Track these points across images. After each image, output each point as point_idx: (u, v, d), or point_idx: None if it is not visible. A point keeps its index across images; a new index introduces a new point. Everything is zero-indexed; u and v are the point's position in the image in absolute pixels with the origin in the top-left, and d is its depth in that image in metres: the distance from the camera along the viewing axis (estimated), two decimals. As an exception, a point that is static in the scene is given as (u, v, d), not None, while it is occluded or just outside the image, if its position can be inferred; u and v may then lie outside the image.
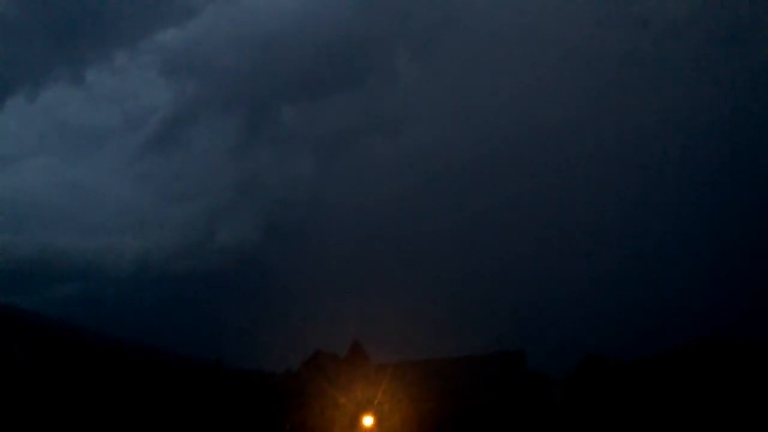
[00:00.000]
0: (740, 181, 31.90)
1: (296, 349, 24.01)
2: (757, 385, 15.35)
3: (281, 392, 17.64)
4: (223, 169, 41.01)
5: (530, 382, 18.88)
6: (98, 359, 11.28)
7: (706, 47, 34.33)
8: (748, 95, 32.09)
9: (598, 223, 34.22)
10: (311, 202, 39.59)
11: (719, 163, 32.22)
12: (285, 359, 23.03)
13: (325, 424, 16.67)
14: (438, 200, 38.59)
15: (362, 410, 16.70)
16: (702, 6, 35.01)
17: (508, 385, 18.07)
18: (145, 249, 35.96)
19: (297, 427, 16.82)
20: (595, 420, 16.42)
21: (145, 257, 35.62)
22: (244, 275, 36.35)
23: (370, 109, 40.26)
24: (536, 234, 35.47)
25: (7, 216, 35.17)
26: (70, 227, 37.50)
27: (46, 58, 40.21)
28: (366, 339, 24.18)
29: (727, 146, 32.03)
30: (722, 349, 16.75)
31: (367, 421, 16.76)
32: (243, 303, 34.09)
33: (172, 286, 36.14)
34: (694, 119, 32.96)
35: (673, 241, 31.00)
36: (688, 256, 28.95)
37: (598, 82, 35.52)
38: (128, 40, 42.03)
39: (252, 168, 40.83)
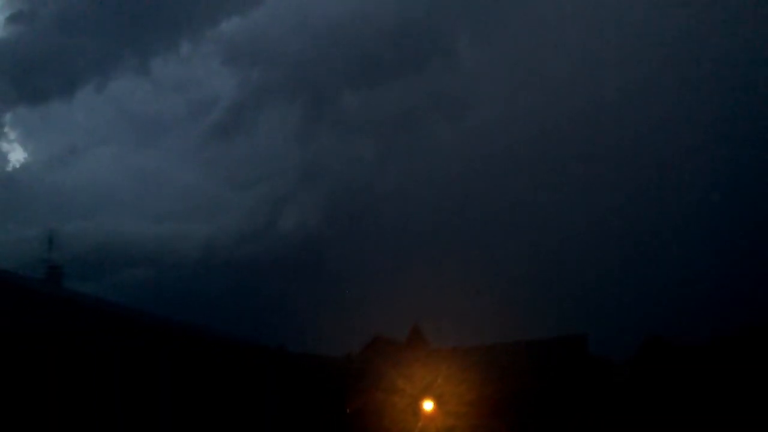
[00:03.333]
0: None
1: (356, 333, 24.37)
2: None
3: (342, 376, 17.91)
4: (286, 155, 41.41)
5: (592, 366, 18.72)
6: (165, 344, 11.61)
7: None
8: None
9: (660, 203, 33.51)
10: (371, 187, 39.69)
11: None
12: (346, 344, 23.41)
13: (386, 409, 16.86)
14: (499, 182, 38.25)
15: (422, 395, 16.85)
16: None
17: (570, 370, 17.91)
18: (210, 235, 36.64)
19: (358, 411, 17.07)
20: (658, 404, 16.21)
21: (210, 243, 36.30)
22: (306, 260, 36.72)
23: (431, 93, 40.08)
24: (597, 216, 34.85)
25: (78, 204, 36.26)
26: (137, 214, 38.46)
27: (114, 49, 41.14)
28: (425, 324, 24.39)
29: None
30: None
31: (428, 405, 16.89)
32: (304, 288, 34.51)
33: (237, 271, 36.77)
34: None
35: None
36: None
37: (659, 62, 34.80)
38: (193, 30, 42.58)
39: (314, 153, 41.13)
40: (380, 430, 16.52)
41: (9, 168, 37.89)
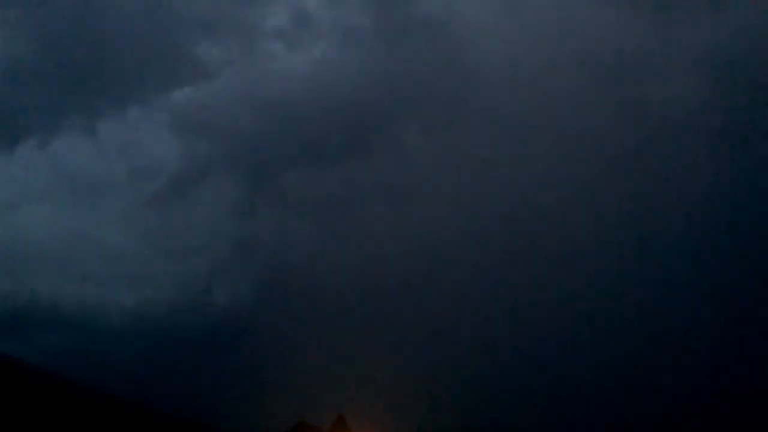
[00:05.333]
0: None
1: (280, 416, 23.84)
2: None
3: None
4: (225, 228, 41.21)
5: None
6: (79, 411, 11.22)
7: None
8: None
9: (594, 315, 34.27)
10: (308, 265, 39.64)
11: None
12: (268, 425, 22.88)
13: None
14: (436, 277, 38.68)
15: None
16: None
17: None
18: (139, 303, 35.87)
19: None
20: None
21: (139, 311, 35.52)
22: (237, 336, 36.20)
23: (374, 179, 40.73)
24: (535, 319, 35.50)
25: (3, 262, 35.17)
26: (65, 276, 37.47)
27: (62, 106, 40.83)
28: (353, 412, 23.97)
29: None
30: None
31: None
32: (233, 364, 33.85)
33: (164, 342, 35.93)
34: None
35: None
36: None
37: (602, 173, 36.21)
38: (143, 95, 42.62)
39: (252, 229, 41.05)
40: None
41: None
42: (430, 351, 34.87)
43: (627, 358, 31.08)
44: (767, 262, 31.39)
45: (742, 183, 33.99)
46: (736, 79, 35.46)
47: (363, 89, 39.70)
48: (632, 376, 30.43)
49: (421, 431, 27.59)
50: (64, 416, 11.12)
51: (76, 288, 36.23)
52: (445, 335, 35.75)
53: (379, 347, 33.88)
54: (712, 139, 35.26)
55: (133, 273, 39.17)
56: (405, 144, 39.83)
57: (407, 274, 38.81)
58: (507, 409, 30.43)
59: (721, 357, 28.88)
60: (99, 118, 43.74)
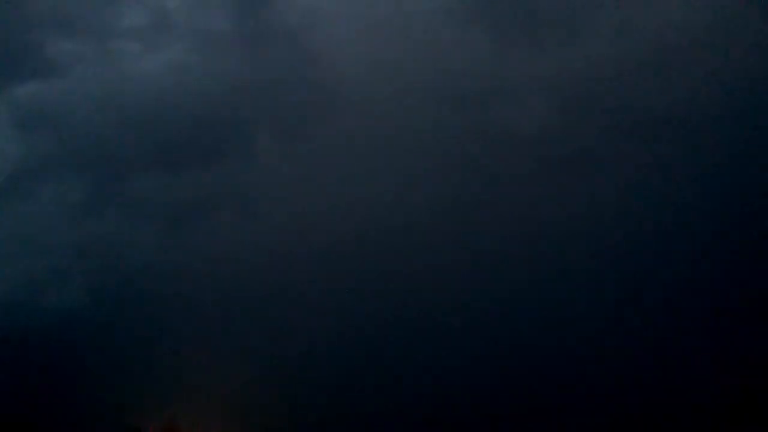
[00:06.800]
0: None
1: (109, 420, 23.15)
2: None
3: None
4: (65, 229, 39.56)
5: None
6: None
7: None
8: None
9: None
10: (152, 270, 38.63)
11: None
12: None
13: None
14: (287, 286, 38.60)
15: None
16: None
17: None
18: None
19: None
20: None
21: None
22: (70, 338, 34.74)
23: (226, 186, 40.32)
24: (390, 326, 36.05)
25: None
26: None
27: None
28: (185, 416, 23.59)
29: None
30: None
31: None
32: (63, 366, 32.48)
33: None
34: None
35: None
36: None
37: (453, 191, 37.52)
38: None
39: (95, 231, 39.61)
40: None
41: None
42: (278, 360, 34.82)
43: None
44: (593, 285, 33.44)
45: (584, 201, 36.04)
46: (582, 104, 37.54)
47: (219, 94, 39.29)
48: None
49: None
50: None
51: None
52: (293, 347, 35.78)
53: (219, 355, 33.48)
54: (559, 161, 37.09)
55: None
56: (258, 152, 39.73)
57: (256, 282, 38.56)
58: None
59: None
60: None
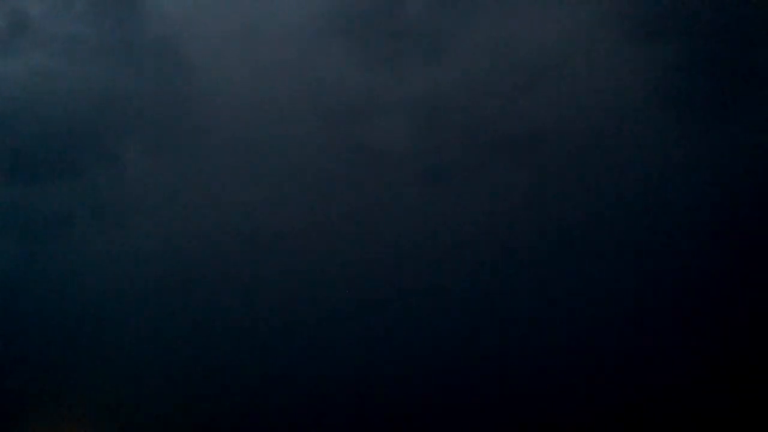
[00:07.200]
0: None
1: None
2: None
3: None
4: None
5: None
6: None
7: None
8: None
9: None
10: (8, 287, 37.17)
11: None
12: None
13: None
14: (156, 299, 37.90)
15: None
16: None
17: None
18: None
19: None
20: None
21: None
22: None
23: (90, 198, 39.24)
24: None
25: None
26: None
27: None
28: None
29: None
30: None
31: None
32: None
33: None
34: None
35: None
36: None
37: (318, 205, 37.77)
38: None
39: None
40: None
41: None
42: (145, 371, 34.12)
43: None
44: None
45: (450, 213, 36.97)
46: (448, 120, 38.52)
47: (83, 104, 38.18)
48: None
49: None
50: None
51: None
52: (161, 358, 35.11)
53: (82, 368, 32.56)
54: (424, 177, 37.95)
55: None
56: (124, 163, 38.78)
57: (122, 295, 37.64)
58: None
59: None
60: None
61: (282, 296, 35.89)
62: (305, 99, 38.69)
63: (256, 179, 38.13)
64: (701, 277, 31.70)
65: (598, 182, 35.97)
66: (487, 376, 30.86)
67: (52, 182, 39.26)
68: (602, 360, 30.94)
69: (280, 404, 31.42)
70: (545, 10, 38.83)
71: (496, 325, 33.08)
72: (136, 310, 37.23)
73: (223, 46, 40.02)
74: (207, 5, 40.90)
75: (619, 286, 32.74)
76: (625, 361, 30.50)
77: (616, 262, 33.57)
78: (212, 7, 41.00)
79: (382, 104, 38.01)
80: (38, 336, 35.31)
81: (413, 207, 36.69)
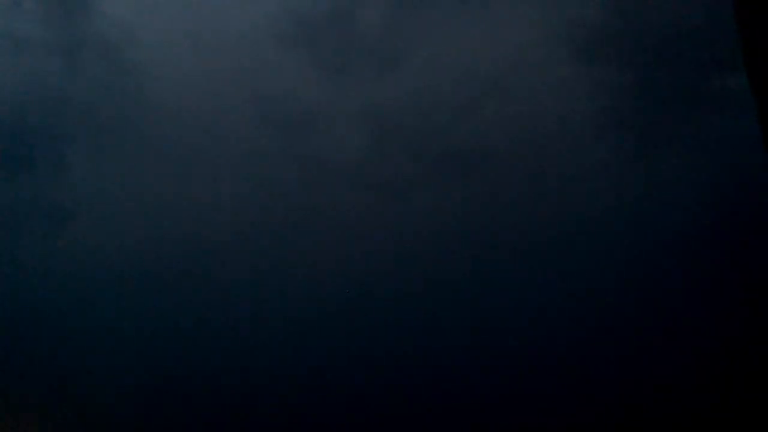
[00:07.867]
0: None
1: None
2: None
3: None
4: None
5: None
6: None
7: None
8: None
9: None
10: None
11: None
12: None
13: None
14: (102, 298, 37.54)
15: None
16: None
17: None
18: None
19: None
20: None
21: None
22: None
23: (36, 198, 38.87)
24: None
25: None
26: None
27: None
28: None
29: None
30: None
31: None
32: None
33: None
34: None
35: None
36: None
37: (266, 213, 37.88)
38: None
39: None
40: None
41: None
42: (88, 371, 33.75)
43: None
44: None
45: (397, 227, 37.28)
46: (396, 132, 38.95)
47: (28, 103, 37.74)
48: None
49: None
50: None
51: None
52: (106, 357, 34.77)
53: (30, 372, 32.09)
54: (373, 188, 38.26)
55: None
56: (70, 164, 38.37)
57: (69, 297, 37.16)
58: None
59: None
60: None
61: (224, 297, 35.91)
62: (256, 107, 38.77)
63: (203, 185, 38.06)
64: (645, 296, 32.47)
65: (545, 197, 36.70)
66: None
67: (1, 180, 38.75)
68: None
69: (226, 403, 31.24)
70: (497, 28, 39.53)
71: (442, 336, 33.46)
72: (78, 309, 36.80)
73: (173, 53, 39.89)
74: (158, 12, 40.75)
75: (566, 295, 33.39)
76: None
77: (563, 274, 34.21)
78: (163, 14, 40.87)
79: (333, 115, 38.32)
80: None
81: (362, 216, 36.98)
